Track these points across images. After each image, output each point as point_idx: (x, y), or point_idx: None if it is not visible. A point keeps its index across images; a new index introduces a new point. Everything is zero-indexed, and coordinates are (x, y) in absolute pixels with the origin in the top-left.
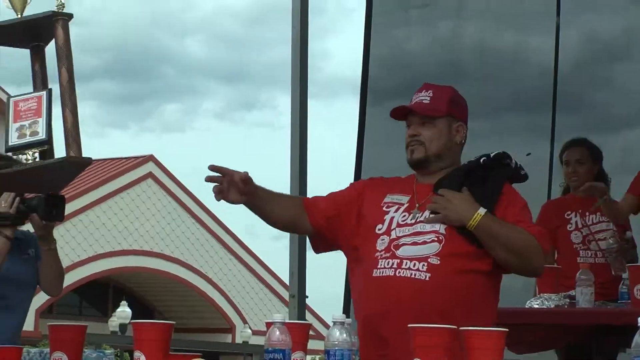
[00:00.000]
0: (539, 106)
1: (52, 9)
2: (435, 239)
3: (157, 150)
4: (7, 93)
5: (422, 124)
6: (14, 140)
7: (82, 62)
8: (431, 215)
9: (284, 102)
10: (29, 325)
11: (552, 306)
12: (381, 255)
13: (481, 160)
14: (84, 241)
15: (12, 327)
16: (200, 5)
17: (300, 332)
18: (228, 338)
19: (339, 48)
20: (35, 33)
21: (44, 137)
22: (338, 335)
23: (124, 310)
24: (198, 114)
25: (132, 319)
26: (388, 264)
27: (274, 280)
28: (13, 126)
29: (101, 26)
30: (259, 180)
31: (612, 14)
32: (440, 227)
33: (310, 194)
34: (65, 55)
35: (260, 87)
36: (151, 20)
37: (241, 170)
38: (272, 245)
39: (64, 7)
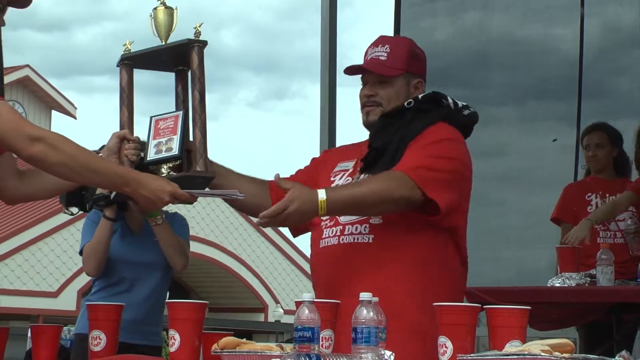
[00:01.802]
0: (564, 94)
1: (190, 37)
2: None
3: None
4: (48, 82)
5: (379, 83)
6: (152, 155)
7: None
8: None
9: (314, 92)
10: (71, 304)
11: (573, 285)
12: (326, 224)
13: (405, 104)
14: None
15: (136, 305)
16: None
17: (329, 310)
18: (261, 317)
19: (367, 39)
20: (178, 58)
21: (177, 153)
22: (365, 314)
23: None
24: (232, 103)
25: (169, 298)
26: (332, 232)
27: (304, 262)
28: (152, 142)
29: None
30: (291, 167)
31: (632, 4)
32: None
33: None
34: (197, 79)
35: (292, 78)
36: (188, 13)
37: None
38: None
39: (200, 34)
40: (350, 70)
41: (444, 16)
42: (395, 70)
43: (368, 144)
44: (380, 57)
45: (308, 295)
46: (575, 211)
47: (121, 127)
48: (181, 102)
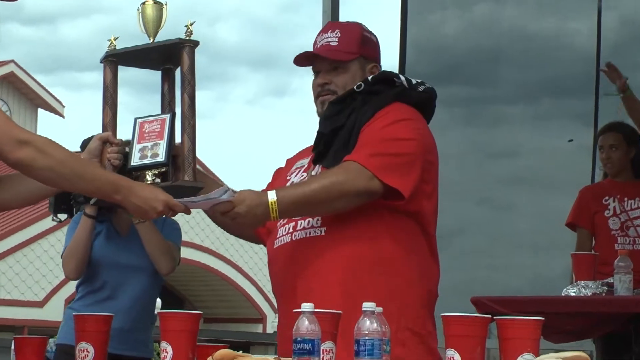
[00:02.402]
0: (580, 91)
1: (181, 36)
2: None
3: None
4: (34, 78)
5: (333, 70)
6: (136, 160)
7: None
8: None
9: None
10: (58, 314)
11: (590, 294)
12: (281, 223)
13: (355, 87)
14: None
15: (122, 312)
16: None
17: (330, 321)
18: (259, 328)
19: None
20: (166, 57)
21: (163, 159)
22: (368, 325)
23: None
24: (229, 101)
25: (162, 308)
26: (285, 230)
27: None
28: (137, 147)
29: (129, 14)
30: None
31: None
32: None
33: None
34: (188, 81)
35: (292, 74)
36: (182, 5)
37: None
38: None
39: (192, 33)
40: (301, 60)
41: (453, 9)
42: (348, 54)
43: (317, 132)
44: (331, 43)
45: (308, 305)
46: (591, 216)
47: (104, 129)
48: (167, 104)
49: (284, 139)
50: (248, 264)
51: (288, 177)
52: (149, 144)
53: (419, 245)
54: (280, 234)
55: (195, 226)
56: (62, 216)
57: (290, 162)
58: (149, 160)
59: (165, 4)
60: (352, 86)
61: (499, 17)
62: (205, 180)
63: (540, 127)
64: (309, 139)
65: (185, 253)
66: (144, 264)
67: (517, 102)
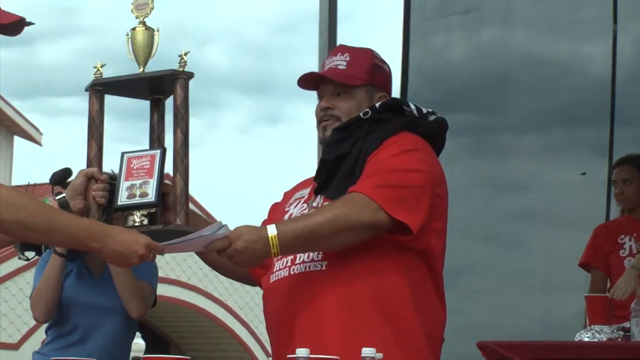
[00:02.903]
0: (595, 121)
1: (174, 67)
2: None
3: None
4: (9, 104)
5: (337, 95)
6: (123, 199)
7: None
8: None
9: (311, 116)
10: None
11: (604, 339)
12: (278, 257)
13: (362, 114)
14: None
15: (94, 357)
16: (222, 11)
17: None
18: None
19: None
20: (156, 86)
21: (153, 200)
22: None
23: (137, 343)
24: (218, 129)
25: (146, 351)
26: (282, 263)
27: None
28: (124, 184)
29: (113, 34)
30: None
31: None
32: None
33: None
34: (181, 116)
35: (286, 100)
36: (168, 27)
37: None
38: None
39: (186, 64)
40: (305, 83)
41: (459, 32)
42: (355, 79)
43: (320, 161)
44: (339, 66)
45: (303, 350)
46: (606, 256)
47: (89, 164)
48: (157, 137)
49: (278, 170)
50: (238, 303)
51: (287, 209)
52: (137, 182)
53: (425, 285)
54: (277, 268)
55: (182, 263)
56: (30, 254)
57: (288, 194)
58: (137, 200)
59: (157, 31)
60: (357, 113)
61: (508, 41)
62: (197, 223)
63: (552, 159)
64: (305, 169)
65: (172, 291)
66: (118, 305)
67: (527, 132)
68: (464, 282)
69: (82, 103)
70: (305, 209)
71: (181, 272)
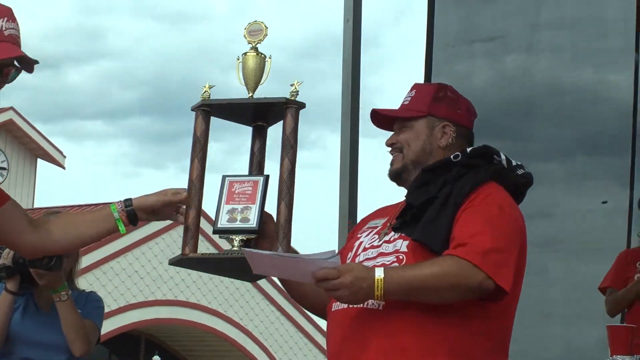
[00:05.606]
0: (617, 149)
1: (285, 96)
2: (395, 259)
3: None
4: (33, 127)
5: (400, 129)
6: (223, 222)
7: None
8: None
9: (334, 142)
10: None
11: None
12: None
13: (452, 157)
14: (114, 290)
15: None
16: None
17: None
18: None
19: (395, 83)
20: (261, 113)
21: (254, 225)
22: None
23: None
24: (241, 154)
25: None
26: None
27: (319, 335)
28: (225, 207)
29: (140, 58)
30: (308, 225)
31: None
32: (402, 245)
33: None
34: (290, 145)
35: (309, 125)
36: (195, 51)
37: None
38: None
39: (297, 94)
40: (377, 122)
41: (482, 59)
42: (412, 112)
43: (405, 200)
44: (404, 102)
45: None
46: (625, 281)
47: (190, 186)
48: (257, 164)
49: (299, 196)
50: (258, 328)
51: (359, 235)
52: (239, 207)
53: (493, 335)
54: None
55: (203, 287)
56: None
57: (365, 220)
58: (238, 224)
59: (270, 58)
60: (415, 140)
61: (532, 68)
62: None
63: (574, 187)
64: (327, 196)
65: (192, 315)
66: (62, 342)
67: (549, 160)
68: None
69: (105, 127)
70: (376, 240)
71: (201, 296)
